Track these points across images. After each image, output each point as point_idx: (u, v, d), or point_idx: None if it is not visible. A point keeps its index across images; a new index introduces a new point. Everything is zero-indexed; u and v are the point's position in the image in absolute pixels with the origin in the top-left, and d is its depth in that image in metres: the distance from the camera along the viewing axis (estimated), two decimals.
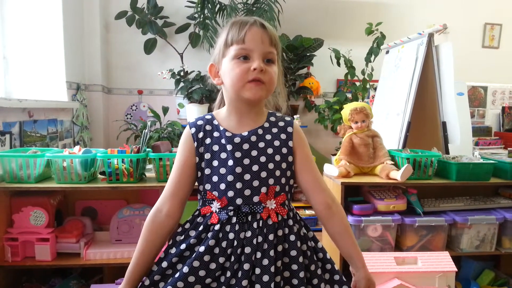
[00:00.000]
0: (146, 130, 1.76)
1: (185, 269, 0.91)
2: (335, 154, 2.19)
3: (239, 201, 0.94)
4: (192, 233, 0.96)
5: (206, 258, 0.91)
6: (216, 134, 0.99)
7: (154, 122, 3.07)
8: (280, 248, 0.94)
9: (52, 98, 2.68)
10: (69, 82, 2.88)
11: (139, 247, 0.98)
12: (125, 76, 3.50)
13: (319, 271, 0.98)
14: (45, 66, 2.69)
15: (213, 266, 0.91)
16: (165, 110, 3.16)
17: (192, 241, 0.95)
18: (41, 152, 1.72)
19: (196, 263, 0.91)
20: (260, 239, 0.92)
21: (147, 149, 1.78)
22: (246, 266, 0.90)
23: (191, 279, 0.90)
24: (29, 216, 1.66)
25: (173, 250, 0.96)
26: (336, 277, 1.02)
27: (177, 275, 0.91)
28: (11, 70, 2.50)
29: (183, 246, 0.95)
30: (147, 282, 0.95)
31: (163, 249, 1.00)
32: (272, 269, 0.90)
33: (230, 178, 0.94)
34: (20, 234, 1.65)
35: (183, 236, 0.98)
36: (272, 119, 1.03)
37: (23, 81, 2.54)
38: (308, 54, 3.46)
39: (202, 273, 0.91)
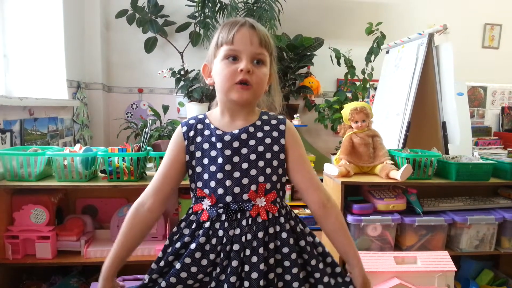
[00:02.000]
0: (147, 129, 1.77)
1: (178, 266, 0.93)
2: (335, 154, 2.19)
3: (228, 198, 0.95)
4: (186, 231, 0.98)
5: (197, 255, 0.93)
6: (207, 132, 1.00)
7: (155, 120, 3.06)
8: (272, 245, 0.95)
9: (52, 96, 2.68)
10: (70, 80, 2.88)
11: (119, 241, 0.99)
12: (126, 75, 3.49)
13: (321, 265, 0.99)
14: (46, 64, 2.69)
15: (204, 262, 0.93)
16: (166, 108, 3.16)
17: (187, 239, 0.96)
18: (42, 150, 1.73)
19: (187, 260, 0.93)
20: (249, 236, 0.93)
21: (148, 148, 1.79)
22: (235, 263, 0.91)
23: (183, 275, 0.92)
24: (30, 214, 1.66)
25: (170, 249, 0.98)
26: (338, 269, 1.03)
27: (171, 271, 0.94)
28: (12, 68, 2.50)
29: (178, 245, 0.97)
30: (147, 281, 0.97)
31: (161, 248, 1.01)
32: (261, 266, 0.91)
33: (219, 175, 0.95)
34: (21, 232, 1.66)
35: (178, 235, 0.99)
36: (265, 117, 1.03)
37: (23, 79, 2.54)
38: (308, 54, 3.46)
39: (194, 269, 0.93)
